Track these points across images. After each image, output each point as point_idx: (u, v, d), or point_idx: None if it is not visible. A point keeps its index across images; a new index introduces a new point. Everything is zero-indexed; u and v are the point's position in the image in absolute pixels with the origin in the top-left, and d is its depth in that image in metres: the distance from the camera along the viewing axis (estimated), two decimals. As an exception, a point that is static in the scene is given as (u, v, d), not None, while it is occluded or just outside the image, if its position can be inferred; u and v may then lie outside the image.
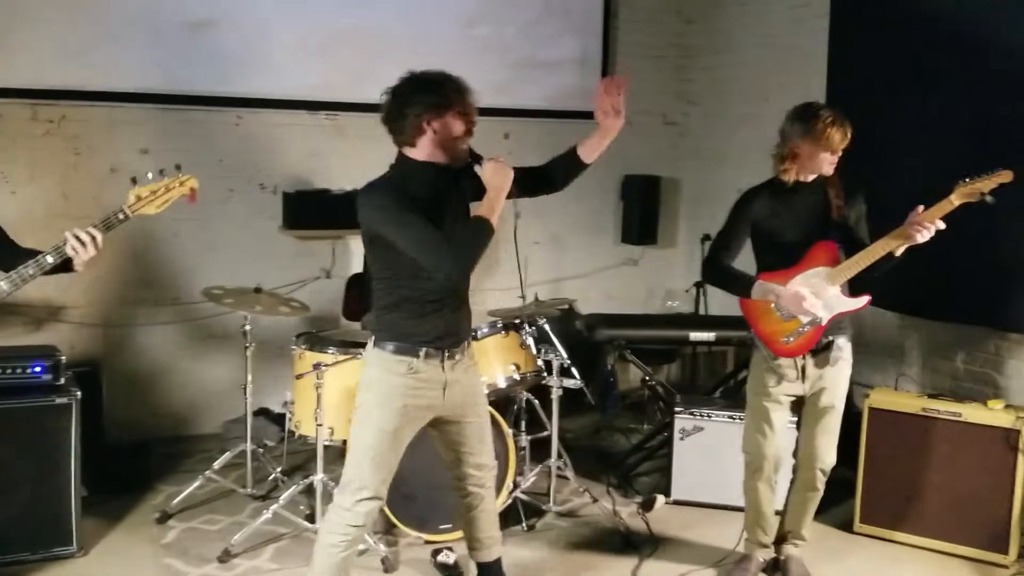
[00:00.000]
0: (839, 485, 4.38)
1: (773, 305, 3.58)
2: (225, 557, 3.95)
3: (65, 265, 3.12)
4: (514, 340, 4.42)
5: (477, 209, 3.12)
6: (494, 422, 4.20)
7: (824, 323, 3.52)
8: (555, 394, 4.44)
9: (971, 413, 4.11)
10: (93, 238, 3.06)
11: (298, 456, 4.99)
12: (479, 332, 4.33)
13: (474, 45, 5.97)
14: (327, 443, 4.25)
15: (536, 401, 4.79)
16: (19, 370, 3.86)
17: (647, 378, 5.29)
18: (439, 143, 3.11)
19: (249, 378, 4.58)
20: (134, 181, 3.21)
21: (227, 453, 4.60)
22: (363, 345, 4.43)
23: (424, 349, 3.18)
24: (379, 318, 3.25)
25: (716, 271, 3.73)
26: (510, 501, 4.33)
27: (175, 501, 4.42)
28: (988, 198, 3.26)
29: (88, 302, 5.28)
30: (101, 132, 5.26)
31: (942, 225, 3.32)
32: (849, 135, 3.50)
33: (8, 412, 3.79)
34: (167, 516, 4.35)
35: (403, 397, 3.18)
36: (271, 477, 4.65)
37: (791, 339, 3.58)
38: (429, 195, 3.12)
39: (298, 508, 4.30)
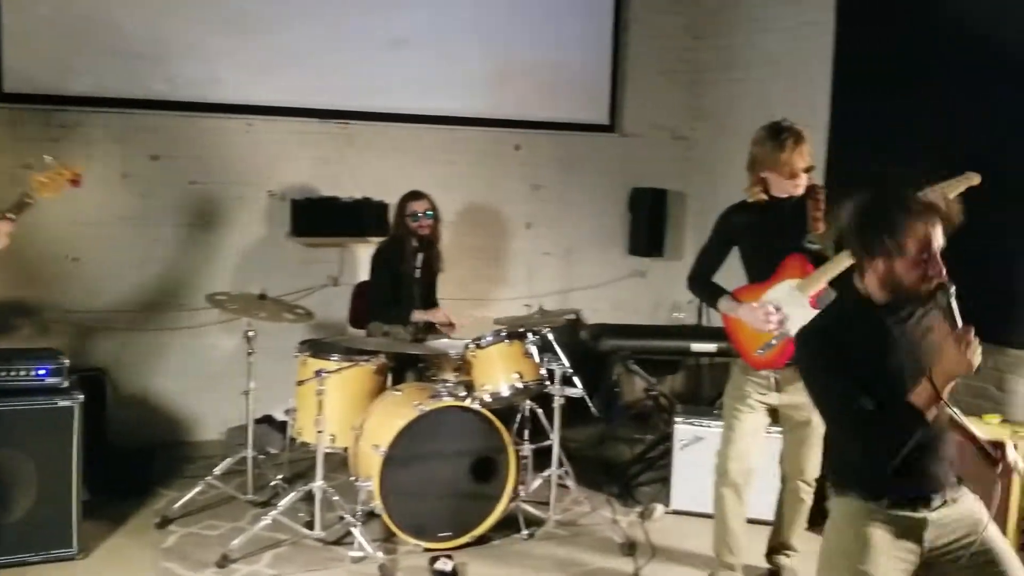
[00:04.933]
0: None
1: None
2: (223, 562, 3.96)
3: None
4: (518, 349, 4.42)
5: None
6: (496, 431, 4.21)
7: (792, 336, 3.48)
8: (557, 403, 4.45)
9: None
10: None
11: (301, 464, 4.99)
12: (483, 340, 4.37)
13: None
14: (328, 450, 4.26)
15: (540, 410, 4.79)
16: (23, 372, 3.88)
17: (650, 388, 5.29)
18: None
19: (252, 385, 4.59)
20: (29, 167, 3.33)
21: (228, 459, 4.60)
22: (367, 353, 4.46)
23: None
24: None
25: (692, 285, 3.88)
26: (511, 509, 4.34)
27: (176, 506, 4.44)
28: None
29: (94, 307, 5.32)
30: (113, 139, 5.31)
31: None
32: (807, 154, 3.45)
33: (11, 414, 3.81)
34: (168, 521, 4.37)
35: None
36: (272, 484, 4.66)
37: (763, 351, 3.58)
38: None
39: (297, 515, 4.30)
